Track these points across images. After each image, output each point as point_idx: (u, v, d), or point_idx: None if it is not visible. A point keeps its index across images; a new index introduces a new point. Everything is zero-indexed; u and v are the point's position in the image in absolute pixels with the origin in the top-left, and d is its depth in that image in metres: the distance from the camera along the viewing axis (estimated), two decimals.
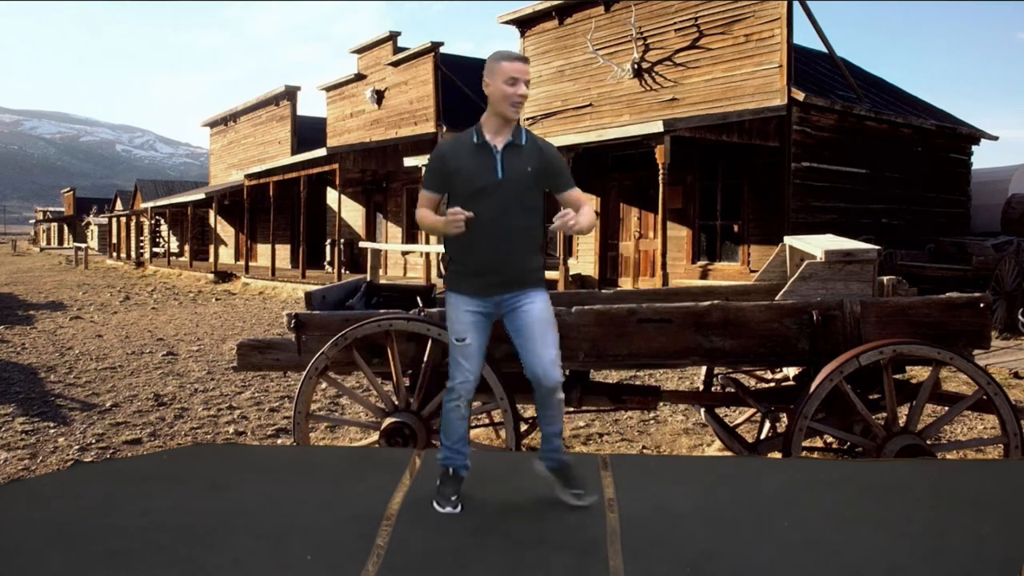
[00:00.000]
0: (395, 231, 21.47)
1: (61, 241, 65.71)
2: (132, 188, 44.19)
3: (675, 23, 14.50)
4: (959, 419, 5.84)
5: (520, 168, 3.00)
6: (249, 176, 22.56)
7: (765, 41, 13.12)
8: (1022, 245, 12.15)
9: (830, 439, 4.73)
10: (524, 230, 3.04)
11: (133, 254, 34.61)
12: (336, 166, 18.52)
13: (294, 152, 24.85)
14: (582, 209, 3.05)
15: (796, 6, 13.00)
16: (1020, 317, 10.96)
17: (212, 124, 32.64)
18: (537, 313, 3.03)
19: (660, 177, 11.80)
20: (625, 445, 5.50)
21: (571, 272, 14.04)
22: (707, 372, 5.17)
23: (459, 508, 3.05)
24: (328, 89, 24.47)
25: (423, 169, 18.08)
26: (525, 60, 3.02)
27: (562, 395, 3.07)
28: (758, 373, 5.45)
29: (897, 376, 4.23)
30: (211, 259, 26.52)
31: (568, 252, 14.38)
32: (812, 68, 14.64)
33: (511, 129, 3.04)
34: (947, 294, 4.05)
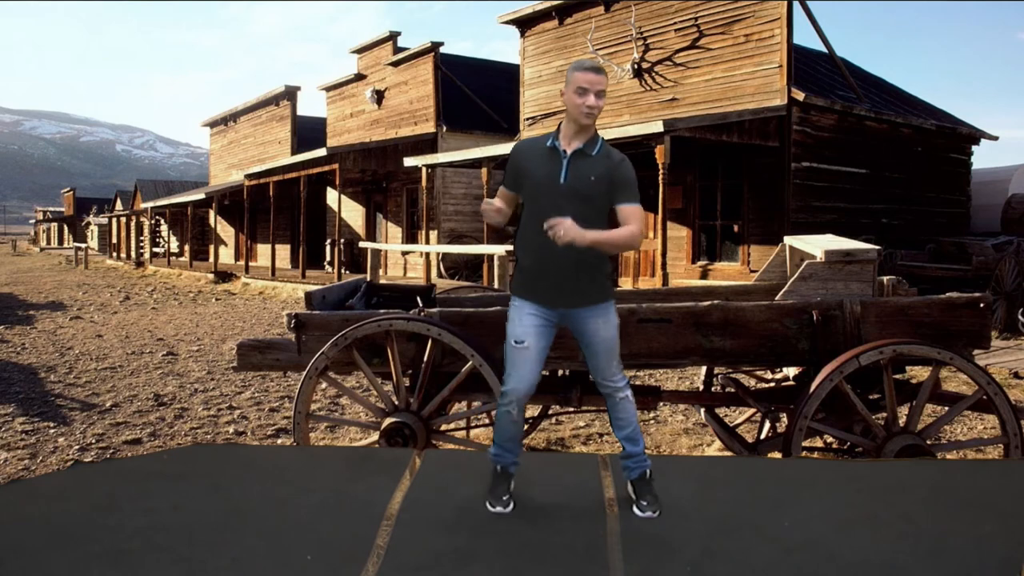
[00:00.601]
0: (395, 231, 21.47)
1: (61, 241, 65.71)
2: (132, 188, 44.19)
3: (675, 23, 14.51)
4: (959, 419, 5.83)
5: (584, 175, 2.98)
6: (249, 176, 22.56)
7: (765, 41, 13.12)
8: (1022, 245, 12.16)
9: (830, 439, 4.73)
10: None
11: (133, 254, 34.61)
12: (336, 166, 18.52)
13: (294, 152, 24.86)
14: (622, 228, 2.97)
15: (796, 6, 13.01)
16: (1020, 317, 10.96)
17: (212, 124, 32.65)
18: (601, 333, 3.03)
19: (660, 177, 11.80)
20: None
21: None
22: (707, 372, 5.17)
23: (509, 507, 3.06)
24: (328, 89, 24.48)
25: (423, 169, 17.98)
26: (598, 71, 2.98)
27: (628, 394, 3.08)
28: (758, 373, 5.45)
29: (897, 376, 4.23)
30: (211, 259, 26.52)
31: None
32: (812, 68, 14.64)
33: (586, 137, 3.02)
34: (947, 294, 4.05)
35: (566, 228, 2.82)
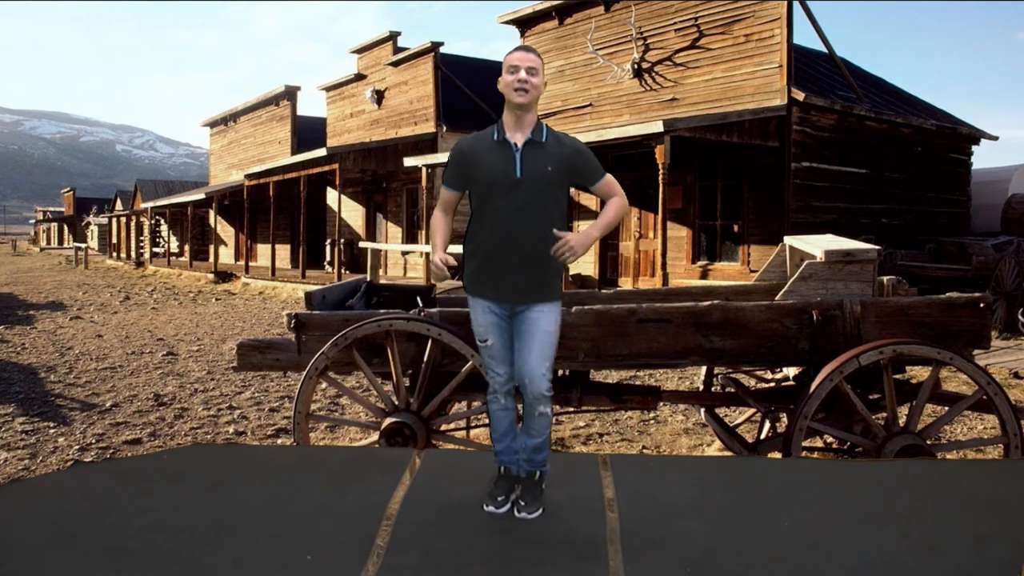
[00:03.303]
0: (395, 231, 21.47)
1: (61, 241, 65.69)
2: (132, 188, 44.19)
3: (675, 23, 14.51)
4: (959, 419, 5.84)
5: (540, 167, 2.92)
6: (249, 176, 22.56)
7: (765, 41, 13.12)
8: (1022, 245, 12.16)
9: (830, 439, 4.73)
10: (543, 232, 2.93)
11: (133, 254, 34.61)
12: (336, 166, 18.52)
13: (294, 152, 24.85)
14: (603, 209, 3.02)
15: (796, 6, 13.01)
16: (1020, 317, 10.96)
17: (212, 124, 32.64)
18: (542, 324, 2.98)
19: (660, 177, 11.80)
20: (625, 445, 5.51)
21: (571, 272, 14.04)
22: (707, 372, 5.16)
23: (502, 509, 3.04)
24: (328, 89, 24.47)
25: (423, 169, 17.97)
26: (527, 49, 2.96)
27: (547, 410, 2.99)
28: (758, 373, 5.45)
29: (897, 376, 4.23)
30: (211, 259, 26.52)
31: None
32: (812, 68, 14.64)
33: (531, 125, 2.96)
34: (947, 294, 4.05)
35: (572, 247, 2.83)
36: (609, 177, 3.04)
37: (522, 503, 3.02)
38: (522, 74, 2.89)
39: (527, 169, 2.92)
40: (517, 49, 2.97)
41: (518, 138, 2.95)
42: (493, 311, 3.03)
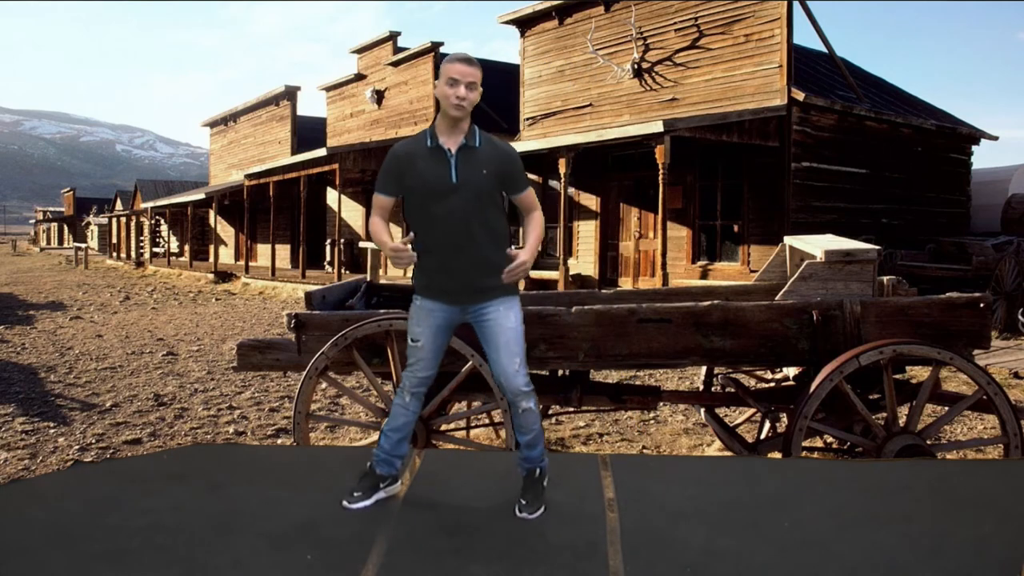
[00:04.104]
0: (395, 231, 21.25)
1: (61, 241, 65.70)
2: (132, 188, 44.18)
3: (675, 23, 14.51)
4: (959, 419, 5.84)
5: (476, 171, 2.94)
6: (249, 176, 22.56)
7: (765, 41, 13.12)
8: (1022, 245, 12.15)
9: (830, 439, 4.73)
10: (484, 234, 2.95)
11: (133, 254, 34.61)
12: (336, 166, 18.52)
13: (294, 152, 24.85)
14: (530, 226, 3.04)
15: (796, 6, 13.01)
16: (1020, 317, 10.96)
17: (212, 124, 32.64)
18: (502, 323, 2.97)
19: (660, 177, 11.81)
20: (625, 445, 5.51)
21: (571, 272, 14.03)
22: (707, 372, 5.17)
23: (355, 504, 3.04)
24: (328, 89, 24.47)
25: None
26: (469, 62, 2.95)
27: (530, 406, 2.99)
28: (758, 373, 5.45)
29: (897, 376, 4.23)
30: (211, 259, 26.52)
31: (568, 252, 14.38)
32: (812, 68, 14.64)
33: (465, 131, 2.98)
34: (947, 294, 4.05)
35: (525, 265, 2.88)
36: (531, 190, 3.09)
37: (523, 502, 3.01)
38: (461, 90, 2.91)
39: (462, 174, 2.94)
40: (459, 60, 2.95)
41: (451, 144, 2.97)
42: (436, 314, 3.04)
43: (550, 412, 5.46)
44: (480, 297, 2.99)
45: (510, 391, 2.98)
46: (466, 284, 2.98)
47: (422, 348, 3.05)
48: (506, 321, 2.98)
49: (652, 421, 6.06)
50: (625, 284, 15.20)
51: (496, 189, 3.00)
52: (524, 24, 17.56)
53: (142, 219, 34.44)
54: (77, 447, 5.40)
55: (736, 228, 13.76)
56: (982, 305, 3.95)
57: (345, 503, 3.06)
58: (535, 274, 14.22)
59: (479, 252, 2.95)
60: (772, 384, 5.14)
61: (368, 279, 5.64)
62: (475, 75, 2.94)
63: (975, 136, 16.44)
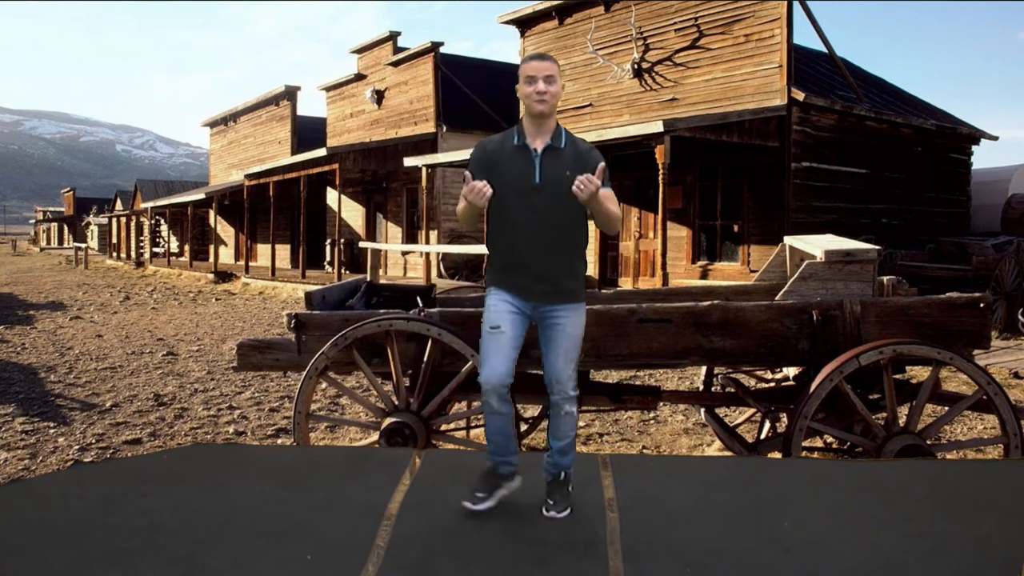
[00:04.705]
0: (395, 231, 21.47)
1: (61, 241, 65.69)
2: (132, 188, 44.18)
3: (675, 23, 14.51)
4: (959, 419, 5.83)
5: (559, 172, 2.93)
6: (249, 176, 22.56)
7: (765, 41, 13.12)
8: (1022, 245, 12.15)
9: (830, 439, 4.73)
10: (563, 236, 2.98)
11: (133, 254, 34.61)
12: (336, 166, 18.52)
13: (294, 152, 24.85)
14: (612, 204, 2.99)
15: (796, 6, 13.01)
16: (1020, 317, 10.96)
17: (212, 124, 32.64)
18: (567, 327, 3.01)
19: (660, 177, 11.80)
20: (625, 445, 5.51)
21: None
22: (707, 372, 5.16)
23: (479, 506, 3.02)
24: (328, 89, 24.47)
25: (423, 169, 17.95)
26: (542, 57, 2.98)
27: (572, 410, 3.03)
28: (758, 373, 5.45)
29: (897, 376, 4.23)
30: (211, 259, 26.52)
31: None
32: (812, 68, 14.64)
33: (551, 131, 2.98)
34: (947, 294, 4.05)
35: (584, 184, 2.79)
36: (611, 191, 2.97)
37: (550, 502, 3.03)
38: (540, 85, 2.91)
39: (547, 174, 2.95)
40: (533, 58, 2.98)
41: (538, 144, 2.98)
42: (513, 304, 3.03)
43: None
44: (553, 299, 3.01)
45: (559, 393, 3.00)
46: (541, 285, 3.00)
47: (504, 334, 2.98)
48: (572, 328, 3.02)
49: (652, 421, 6.06)
50: (625, 284, 15.21)
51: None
52: (524, 24, 17.56)
53: (142, 219, 34.44)
54: (77, 447, 5.40)
55: (736, 228, 13.76)
56: (982, 305, 3.95)
57: (467, 504, 3.02)
58: None
59: (557, 254, 2.98)
60: (772, 384, 5.14)
61: (368, 279, 5.64)
62: (551, 69, 2.94)
63: (975, 136, 16.43)
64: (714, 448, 5.22)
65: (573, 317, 3.03)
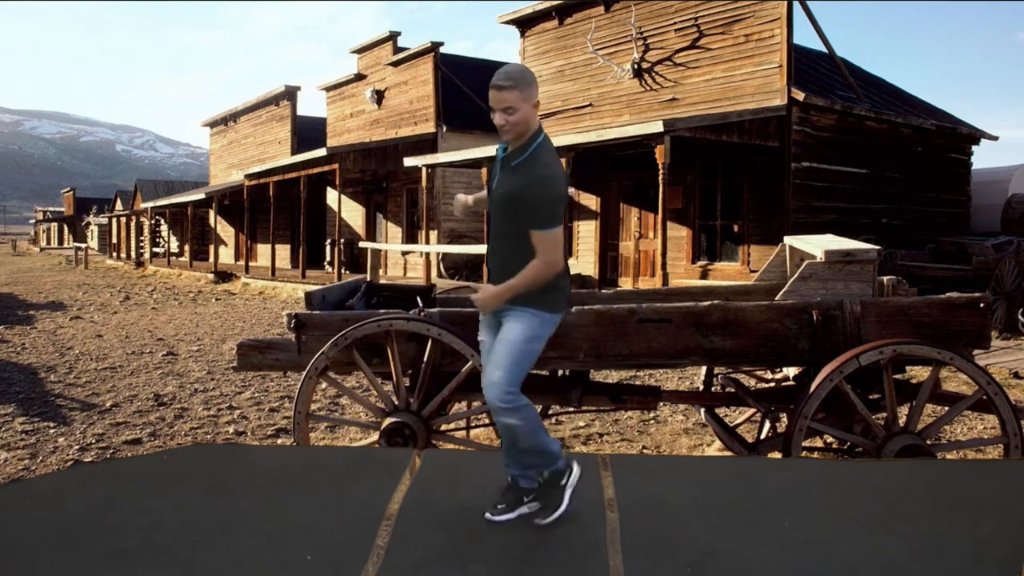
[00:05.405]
0: (395, 231, 21.47)
1: (61, 241, 65.69)
2: (132, 188, 44.18)
3: (675, 23, 14.51)
4: (959, 419, 5.83)
5: (504, 187, 2.97)
6: (249, 176, 22.56)
7: (765, 41, 13.12)
8: (1022, 245, 12.15)
9: (830, 439, 4.73)
10: (508, 245, 2.99)
11: (133, 254, 34.61)
12: (336, 166, 18.52)
13: (294, 152, 24.85)
14: (526, 268, 2.87)
15: (796, 6, 13.00)
16: (1020, 317, 10.96)
17: (212, 124, 32.64)
18: (504, 332, 2.96)
19: (660, 177, 11.80)
20: (625, 445, 5.51)
21: (571, 272, 14.02)
22: (707, 372, 5.16)
23: (499, 517, 2.98)
24: (328, 89, 24.47)
25: (423, 169, 17.94)
26: (499, 87, 2.85)
27: (509, 421, 2.87)
28: (758, 373, 5.45)
29: (897, 376, 4.23)
30: (211, 259, 26.51)
31: (568, 252, 14.37)
32: (812, 68, 14.64)
33: (518, 144, 2.95)
34: (947, 294, 4.05)
35: (480, 302, 2.94)
36: (547, 233, 2.85)
37: (496, 506, 3.02)
38: (498, 118, 2.90)
39: (495, 187, 3.05)
40: (492, 85, 2.88)
41: (510, 155, 3.02)
42: (486, 315, 3.15)
43: (550, 412, 5.46)
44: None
45: (487, 401, 2.92)
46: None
47: (484, 343, 3.16)
48: (507, 332, 2.95)
49: (652, 421, 6.06)
50: (625, 284, 15.21)
51: (512, 211, 2.93)
52: (524, 24, 17.56)
53: (142, 219, 34.44)
54: (77, 447, 5.40)
55: (736, 228, 13.76)
56: (982, 305, 3.95)
57: (487, 515, 3.00)
58: None
59: (505, 261, 3.01)
60: (772, 384, 5.14)
61: (368, 279, 5.64)
62: (508, 99, 2.84)
63: (975, 136, 16.43)
64: (714, 448, 5.22)
65: (512, 322, 2.95)
